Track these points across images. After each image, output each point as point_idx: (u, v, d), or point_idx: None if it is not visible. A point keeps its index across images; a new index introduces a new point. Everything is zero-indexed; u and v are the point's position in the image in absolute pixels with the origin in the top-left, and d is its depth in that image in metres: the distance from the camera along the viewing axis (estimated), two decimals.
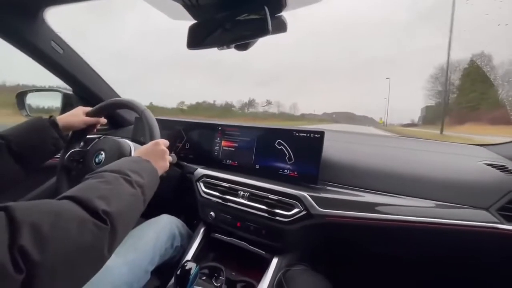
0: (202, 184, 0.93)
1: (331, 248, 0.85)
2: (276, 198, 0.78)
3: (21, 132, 0.74)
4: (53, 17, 0.90)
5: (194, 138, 1.06)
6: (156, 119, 0.81)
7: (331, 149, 0.85)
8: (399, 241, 0.73)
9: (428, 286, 0.87)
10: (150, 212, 0.89)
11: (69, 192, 0.43)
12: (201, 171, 0.96)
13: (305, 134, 0.82)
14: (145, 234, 0.81)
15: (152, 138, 0.76)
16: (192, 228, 1.00)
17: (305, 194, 0.74)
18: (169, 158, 0.74)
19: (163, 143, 0.74)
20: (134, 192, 0.51)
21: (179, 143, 1.08)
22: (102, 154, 0.83)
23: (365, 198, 0.72)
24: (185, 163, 1.04)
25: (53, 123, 0.78)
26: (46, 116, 0.81)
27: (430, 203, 0.68)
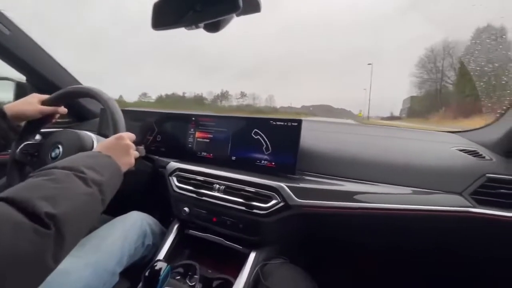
0: (175, 179, 0.87)
1: (310, 240, 0.83)
2: (253, 190, 0.74)
3: None
4: None
5: (166, 130, 1.00)
6: (126, 110, 0.74)
7: (309, 138, 0.82)
8: (378, 229, 0.73)
9: (409, 273, 0.88)
10: (120, 209, 0.82)
11: (5, 193, 0.36)
12: (173, 164, 0.90)
13: (282, 123, 0.79)
14: (111, 233, 0.74)
15: (115, 131, 0.69)
16: (167, 226, 0.94)
17: (283, 184, 0.71)
18: (135, 153, 0.68)
19: (128, 136, 0.67)
20: (89, 191, 0.45)
21: (149, 136, 1.01)
22: (59, 147, 0.75)
23: (344, 187, 0.71)
24: (157, 157, 0.98)
25: (0, 112, 0.69)
26: None
27: (407, 189, 0.68)
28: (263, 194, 0.73)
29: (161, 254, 0.80)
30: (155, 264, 0.63)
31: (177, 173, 0.88)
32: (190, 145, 0.94)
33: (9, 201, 0.34)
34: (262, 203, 0.72)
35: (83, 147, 0.74)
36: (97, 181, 0.48)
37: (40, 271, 0.35)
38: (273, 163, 0.79)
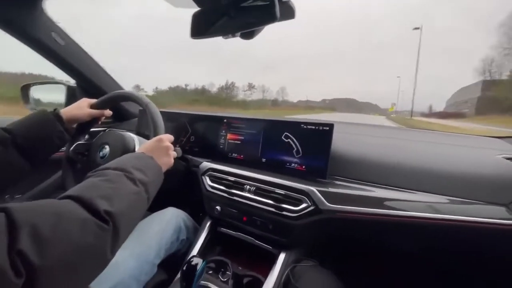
0: (207, 178, 0.92)
1: (340, 244, 0.83)
2: (283, 192, 0.76)
3: (26, 126, 0.74)
4: (52, 6, 0.88)
5: (199, 131, 1.05)
6: (161, 111, 0.80)
7: (340, 141, 0.82)
8: (410, 237, 0.71)
9: (440, 284, 0.85)
10: (156, 205, 0.89)
11: (71, 191, 0.42)
12: (206, 164, 0.94)
13: (313, 127, 0.79)
14: (150, 228, 0.81)
15: (156, 133, 0.74)
16: (198, 221, 1.00)
17: (313, 188, 0.72)
18: (173, 153, 0.73)
19: (167, 138, 0.72)
20: (137, 190, 0.50)
21: (183, 136, 1.07)
22: (106, 148, 0.82)
23: (376, 193, 0.70)
24: (191, 156, 1.03)
25: (57, 116, 0.78)
26: (50, 109, 0.81)
27: (444, 198, 0.65)
28: (293, 197, 0.74)
29: (195, 250, 0.85)
30: (192, 259, 0.67)
31: (209, 172, 0.92)
32: (221, 146, 0.97)
33: (76, 199, 0.40)
34: (292, 205, 0.74)
35: (127, 147, 0.80)
36: (143, 181, 0.53)
37: (102, 262, 0.40)
38: (303, 167, 0.80)
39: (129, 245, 0.71)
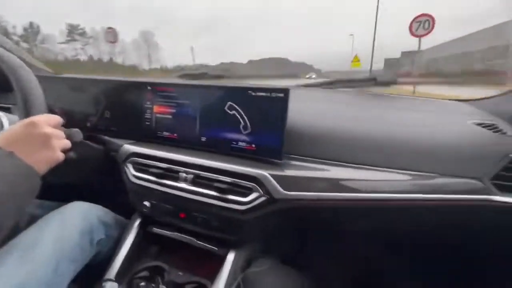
0: (131, 166, 0.70)
1: (300, 235, 0.72)
2: (229, 180, 0.59)
3: None
4: None
5: (116, 103, 0.78)
6: (61, 77, 0.53)
7: (293, 111, 0.65)
8: (380, 221, 0.62)
9: (410, 268, 0.80)
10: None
11: None
12: (128, 148, 0.71)
13: (263, 94, 0.61)
14: (42, 236, 0.57)
15: (28, 113, 0.48)
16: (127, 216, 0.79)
17: (266, 173, 0.57)
18: (61, 142, 0.49)
19: (46, 120, 0.48)
20: None
21: (95, 112, 0.79)
22: None
23: (340, 173, 0.57)
24: (108, 138, 0.78)
25: None
26: None
27: (416, 175, 0.55)
28: (242, 185, 0.58)
29: (120, 257, 0.66)
30: (104, 285, 0.49)
31: (132, 159, 0.70)
32: (148, 123, 0.74)
33: None
34: (241, 196, 0.58)
35: None
36: None
37: None
38: (253, 145, 0.62)
39: (7, 270, 0.48)
